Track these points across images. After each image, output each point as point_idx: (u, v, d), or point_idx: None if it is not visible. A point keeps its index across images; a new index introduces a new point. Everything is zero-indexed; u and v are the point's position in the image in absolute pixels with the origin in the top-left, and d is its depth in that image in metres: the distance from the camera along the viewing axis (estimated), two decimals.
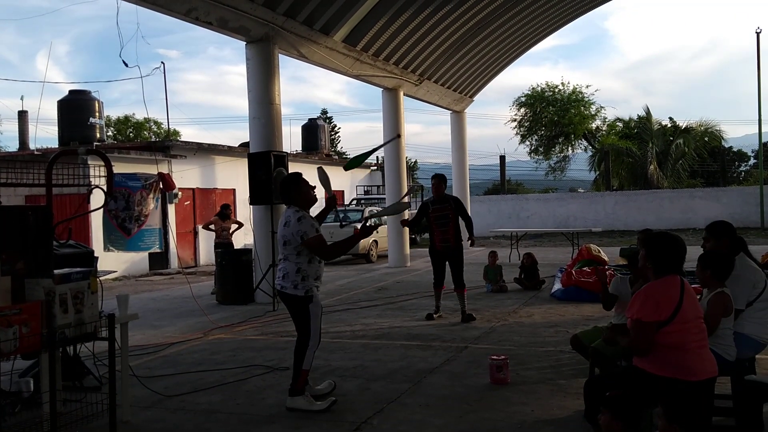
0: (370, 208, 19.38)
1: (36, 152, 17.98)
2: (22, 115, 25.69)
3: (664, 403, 3.11)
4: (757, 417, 3.99)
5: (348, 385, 5.62)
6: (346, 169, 6.27)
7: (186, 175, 17.84)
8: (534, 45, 19.66)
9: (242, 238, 16.58)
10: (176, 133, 43.49)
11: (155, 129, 43.08)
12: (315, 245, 4.95)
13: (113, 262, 12.24)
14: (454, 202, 8.61)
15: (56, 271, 3.99)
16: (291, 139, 35.34)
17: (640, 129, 35.50)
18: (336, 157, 33.49)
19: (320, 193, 5.37)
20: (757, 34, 26.38)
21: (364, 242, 17.52)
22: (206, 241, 17.59)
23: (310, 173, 5.48)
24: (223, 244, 12.55)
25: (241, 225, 13.14)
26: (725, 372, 4.01)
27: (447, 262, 8.67)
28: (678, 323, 3.47)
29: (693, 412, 3.12)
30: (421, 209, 8.83)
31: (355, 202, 24.50)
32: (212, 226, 12.93)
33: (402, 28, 14.50)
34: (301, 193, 5.12)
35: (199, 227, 17.54)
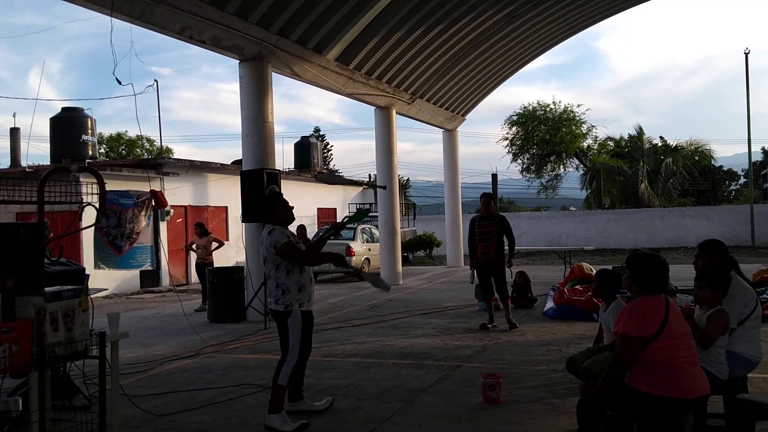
0: (362, 226, 19.37)
1: (28, 169, 17.93)
2: (14, 132, 25.64)
3: (638, 419, 3.09)
4: None
5: (340, 403, 5.59)
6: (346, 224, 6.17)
7: (178, 193, 17.81)
8: (525, 64, 19.84)
9: (234, 256, 16.53)
10: (169, 150, 43.45)
11: (148, 146, 43.04)
12: (287, 251, 5.01)
13: (104, 280, 12.17)
14: (500, 220, 9.04)
15: (47, 289, 3.96)
16: (284, 157, 35.37)
17: (631, 148, 35.76)
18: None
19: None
20: (746, 54, 26.69)
21: (356, 260, 17.49)
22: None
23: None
24: (198, 264, 12.52)
25: (220, 243, 13.08)
26: (718, 391, 4.02)
27: (491, 276, 9.14)
28: (665, 339, 3.50)
29: (667, 429, 3.12)
30: (470, 226, 9.38)
31: (347, 218, 24.48)
32: (194, 246, 12.88)
33: (394, 47, 14.61)
34: (276, 212, 5.21)
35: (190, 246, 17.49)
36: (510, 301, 9.52)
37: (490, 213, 9.10)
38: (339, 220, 25.26)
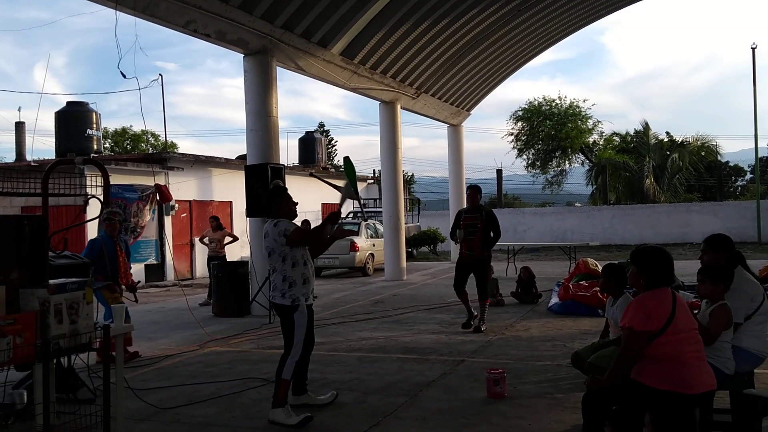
0: (366, 222, 19.36)
1: (33, 163, 17.96)
2: (19, 127, 25.67)
3: (652, 412, 3.09)
4: (756, 431, 3.96)
5: (344, 398, 5.59)
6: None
7: (183, 187, 17.82)
8: (531, 59, 19.77)
9: (239, 251, 16.54)
10: (173, 145, 43.50)
11: (152, 141, 43.10)
12: (297, 236, 5.05)
13: None
14: (487, 215, 8.66)
15: (51, 281, 3.96)
16: (288, 152, 35.32)
17: (637, 143, 35.62)
18: (333, 170, 33.54)
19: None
20: (753, 49, 26.55)
21: (361, 255, 17.48)
22: (202, 253, 17.53)
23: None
24: (211, 257, 12.57)
25: (235, 238, 13.12)
26: (724, 386, 4.00)
27: (471, 273, 8.71)
28: (671, 334, 3.48)
29: (680, 423, 3.10)
30: (456, 217, 9.03)
31: (351, 215, 24.49)
32: (206, 239, 12.92)
33: (399, 42, 14.57)
34: (281, 207, 5.20)
35: (197, 239, 17.53)
36: (488, 303, 8.99)
37: (476, 206, 8.76)
38: (343, 215, 25.28)
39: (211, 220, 13.11)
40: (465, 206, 9.16)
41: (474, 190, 8.86)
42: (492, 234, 8.65)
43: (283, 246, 5.03)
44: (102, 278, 7.18)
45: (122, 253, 7.44)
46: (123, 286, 7.49)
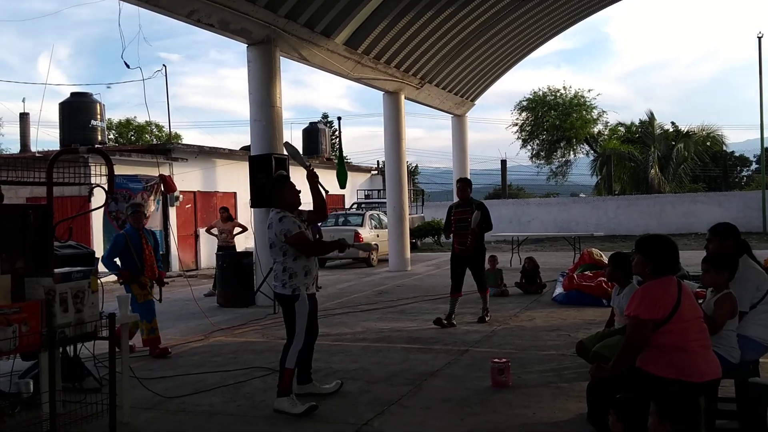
0: (370, 212, 19.34)
1: (37, 154, 17.97)
2: (24, 118, 25.65)
3: (656, 400, 3.08)
4: (761, 420, 3.96)
5: (349, 387, 5.60)
6: (342, 186, 5.98)
7: (187, 178, 17.82)
8: (536, 48, 19.65)
9: (243, 242, 16.59)
10: (177, 136, 43.44)
11: (157, 132, 43.06)
12: (297, 242, 4.99)
13: None
14: (478, 207, 8.34)
15: (57, 270, 3.98)
16: (292, 143, 35.25)
17: (642, 133, 35.49)
18: (336, 161, 33.51)
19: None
20: (759, 38, 26.36)
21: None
22: (207, 244, 17.57)
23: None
24: (221, 248, 12.59)
25: (244, 228, 13.14)
26: (729, 374, 3.99)
27: (467, 268, 8.52)
28: (676, 322, 3.48)
29: (685, 411, 3.09)
30: (447, 213, 8.83)
31: (355, 206, 24.48)
32: (214, 230, 12.95)
33: (403, 31, 14.50)
34: (283, 196, 5.17)
35: (201, 230, 17.55)
36: (488, 293, 8.85)
37: (466, 199, 8.47)
38: (347, 206, 25.26)
39: (222, 211, 13.16)
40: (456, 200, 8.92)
41: (463, 183, 8.63)
42: (484, 226, 8.36)
43: (283, 242, 5.03)
44: (129, 273, 7.09)
45: (148, 246, 7.29)
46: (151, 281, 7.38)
